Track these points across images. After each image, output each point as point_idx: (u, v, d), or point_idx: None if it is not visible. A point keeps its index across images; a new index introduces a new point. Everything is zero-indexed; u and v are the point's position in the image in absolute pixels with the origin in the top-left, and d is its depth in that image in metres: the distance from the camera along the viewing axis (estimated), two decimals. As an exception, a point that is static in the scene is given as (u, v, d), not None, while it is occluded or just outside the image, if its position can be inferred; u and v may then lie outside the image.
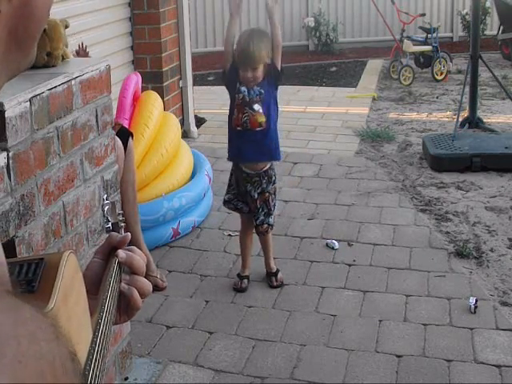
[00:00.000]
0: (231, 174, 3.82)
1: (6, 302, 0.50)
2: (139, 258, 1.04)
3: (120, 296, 1.00)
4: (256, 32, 3.66)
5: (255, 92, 3.60)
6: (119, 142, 3.36)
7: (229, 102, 3.83)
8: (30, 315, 0.51)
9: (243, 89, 3.61)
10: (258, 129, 3.61)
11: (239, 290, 3.70)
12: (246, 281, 3.75)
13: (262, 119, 3.61)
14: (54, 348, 0.50)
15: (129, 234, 1.07)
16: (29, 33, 0.67)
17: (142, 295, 1.03)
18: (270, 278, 3.77)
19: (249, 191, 3.68)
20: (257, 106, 3.60)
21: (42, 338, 0.50)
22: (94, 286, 0.97)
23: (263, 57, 3.52)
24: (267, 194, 3.68)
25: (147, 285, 1.04)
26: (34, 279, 0.72)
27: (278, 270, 3.80)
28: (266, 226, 3.71)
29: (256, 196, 3.67)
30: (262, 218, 3.69)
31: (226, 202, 3.83)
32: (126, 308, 1.03)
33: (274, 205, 3.75)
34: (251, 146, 3.63)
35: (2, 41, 0.64)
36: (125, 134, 3.57)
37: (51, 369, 0.49)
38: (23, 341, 0.48)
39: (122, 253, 1.01)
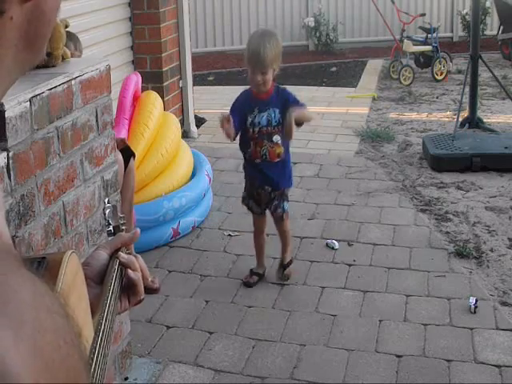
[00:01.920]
0: (245, 170, 3.78)
1: (24, 273, 0.51)
2: (137, 262, 1.08)
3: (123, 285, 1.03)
4: (267, 34, 3.56)
5: (275, 120, 3.53)
6: (120, 156, 3.36)
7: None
8: (45, 290, 0.52)
9: (258, 120, 3.54)
10: (277, 159, 3.58)
11: (247, 283, 3.73)
12: (255, 277, 3.76)
13: (281, 150, 3.58)
14: (65, 324, 0.51)
15: (138, 229, 1.09)
16: (39, 34, 0.68)
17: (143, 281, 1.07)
18: (279, 269, 3.78)
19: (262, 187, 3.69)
20: (276, 138, 3.56)
21: (56, 312, 0.51)
22: (98, 274, 1.00)
23: (273, 60, 3.45)
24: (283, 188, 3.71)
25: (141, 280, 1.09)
26: None
27: (289, 263, 3.78)
28: (280, 211, 3.70)
29: (270, 190, 3.68)
30: (276, 203, 3.69)
31: (243, 199, 3.81)
32: (126, 294, 1.07)
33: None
34: (270, 176, 3.62)
35: (14, 44, 0.65)
36: (127, 153, 3.57)
37: (64, 342, 0.49)
38: (41, 312, 0.49)
39: (123, 254, 1.06)
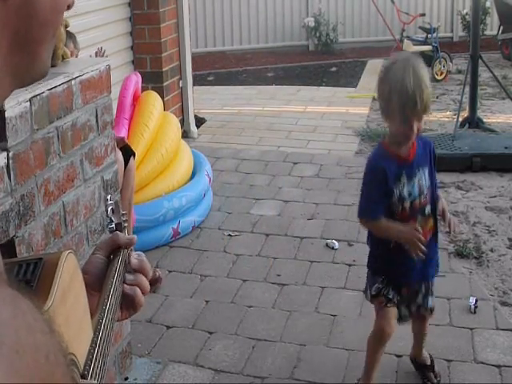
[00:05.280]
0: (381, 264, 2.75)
1: (5, 292, 0.51)
2: (148, 264, 1.09)
3: (122, 295, 1.02)
4: (417, 63, 2.54)
5: (425, 185, 2.60)
6: (120, 155, 3.37)
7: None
8: (28, 307, 0.51)
9: (409, 191, 2.56)
10: (429, 236, 2.64)
11: None
12: None
13: (431, 223, 2.65)
14: (48, 341, 0.51)
15: (135, 236, 1.09)
16: (32, 35, 0.65)
17: (144, 293, 1.06)
18: (425, 373, 2.94)
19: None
20: (428, 208, 2.63)
21: (38, 330, 0.50)
22: (97, 281, 0.98)
23: (429, 100, 2.50)
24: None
25: (147, 285, 1.07)
26: (32, 279, 0.72)
27: (432, 361, 2.97)
28: (422, 310, 2.84)
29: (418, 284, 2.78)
30: (420, 299, 2.81)
31: (373, 297, 2.72)
32: (129, 305, 1.05)
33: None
34: (423, 264, 2.67)
35: (3, 43, 0.62)
36: (127, 153, 3.58)
37: (46, 360, 0.49)
38: (21, 331, 0.48)
39: (134, 260, 1.06)
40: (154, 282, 3.57)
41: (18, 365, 0.47)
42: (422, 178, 2.59)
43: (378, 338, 2.72)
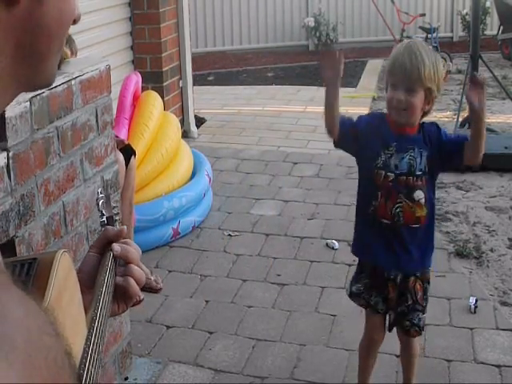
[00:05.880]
0: (360, 262, 2.70)
1: (16, 293, 0.51)
2: (134, 250, 1.05)
3: (116, 288, 1.01)
4: (421, 45, 2.50)
5: (419, 168, 2.47)
6: (121, 156, 3.37)
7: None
8: (35, 309, 0.51)
9: (396, 163, 2.46)
10: (413, 225, 2.51)
11: None
12: None
13: (422, 213, 2.50)
14: (55, 343, 0.51)
15: (125, 227, 1.08)
16: (37, 48, 0.64)
17: (139, 284, 1.04)
18: None
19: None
20: (418, 194, 2.48)
21: (46, 333, 0.51)
22: (91, 279, 0.97)
23: (427, 77, 2.41)
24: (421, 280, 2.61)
25: (142, 273, 1.05)
26: (27, 280, 0.72)
27: None
28: (408, 324, 2.60)
29: (400, 276, 2.58)
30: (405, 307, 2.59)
31: (356, 294, 2.65)
32: (123, 298, 1.03)
33: (427, 299, 2.63)
34: (398, 248, 2.52)
35: (7, 53, 0.61)
36: (128, 152, 3.58)
37: (54, 363, 0.49)
38: (32, 333, 0.49)
39: (116, 246, 1.02)
40: (154, 292, 3.56)
41: (31, 369, 0.47)
42: (418, 159, 2.47)
43: (367, 345, 2.75)
